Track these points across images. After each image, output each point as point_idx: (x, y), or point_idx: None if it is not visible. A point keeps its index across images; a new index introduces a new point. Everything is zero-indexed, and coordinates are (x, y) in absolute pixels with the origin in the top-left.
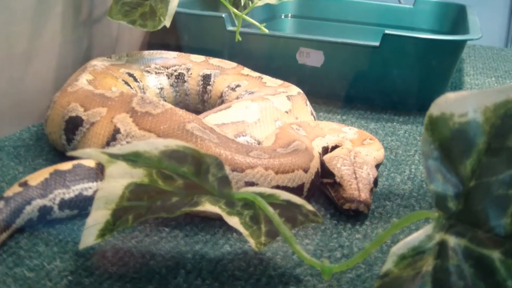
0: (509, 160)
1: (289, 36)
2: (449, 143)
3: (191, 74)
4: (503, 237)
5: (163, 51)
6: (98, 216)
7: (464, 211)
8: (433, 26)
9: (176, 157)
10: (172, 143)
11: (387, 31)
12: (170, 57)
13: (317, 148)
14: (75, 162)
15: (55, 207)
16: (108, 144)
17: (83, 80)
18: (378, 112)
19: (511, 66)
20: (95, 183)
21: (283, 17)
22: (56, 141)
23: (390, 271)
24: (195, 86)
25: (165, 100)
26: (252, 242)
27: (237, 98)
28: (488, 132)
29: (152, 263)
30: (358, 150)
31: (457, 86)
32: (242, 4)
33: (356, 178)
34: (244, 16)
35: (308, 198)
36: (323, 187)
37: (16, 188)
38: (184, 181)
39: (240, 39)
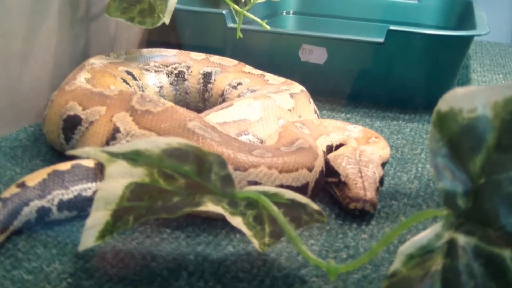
0: None
1: (291, 32)
2: (457, 140)
3: (191, 72)
4: None
5: (162, 49)
6: (97, 217)
7: (474, 209)
8: (439, 22)
9: (178, 155)
10: (174, 141)
11: (391, 27)
12: (170, 55)
13: (321, 147)
14: (73, 162)
15: (54, 208)
16: (107, 143)
17: (81, 79)
18: (384, 110)
19: None
20: (94, 184)
21: (284, 13)
22: (54, 141)
23: (398, 271)
24: (196, 85)
25: (165, 99)
26: (255, 242)
27: (239, 96)
28: (498, 127)
29: (153, 265)
30: (363, 149)
31: (464, 83)
32: (243, 0)
33: (361, 177)
34: (245, 12)
35: (312, 198)
36: (328, 186)
37: (13, 189)
38: (185, 181)
39: (241, 36)
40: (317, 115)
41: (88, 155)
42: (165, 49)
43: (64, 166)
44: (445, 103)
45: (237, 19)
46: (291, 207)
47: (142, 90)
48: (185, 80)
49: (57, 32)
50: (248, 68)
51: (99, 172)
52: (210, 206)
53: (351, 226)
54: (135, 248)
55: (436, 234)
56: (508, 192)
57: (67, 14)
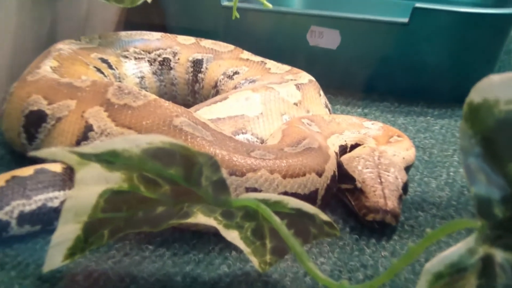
0: None
1: (298, 12)
2: (493, 136)
3: (178, 59)
4: None
5: (144, 32)
6: (66, 232)
7: None
8: None
9: (162, 156)
10: (157, 140)
11: (417, 5)
12: (153, 39)
13: (333, 147)
14: (37, 166)
15: (13, 222)
16: (78, 143)
17: (47, 67)
18: (408, 103)
19: None
20: (62, 192)
21: None
22: (14, 140)
23: None
24: (184, 74)
25: (147, 91)
26: (255, 261)
27: (235, 87)
28: None
29: None
30: (383, 150)
31: (506, 71)
32: None
33: (381, 183)
34: None
35: (322, 208)
36: (341, 194)
37: None
38: (171, 187)
39: (238, 16)
40: (329, 110)
41: (54, 157)
42: (147, 32)
43: (26, 171)
44: (478, 93)
45: None
46: (296, 219)
47: (120, 81)
48: (171, 68)
49: (16, 13)
50: (246, 54)
51: (68, 178)
52: (201, 218)
53: (369, 241)
54: (112, 268)
55: (468, 249)
56: None
57: None
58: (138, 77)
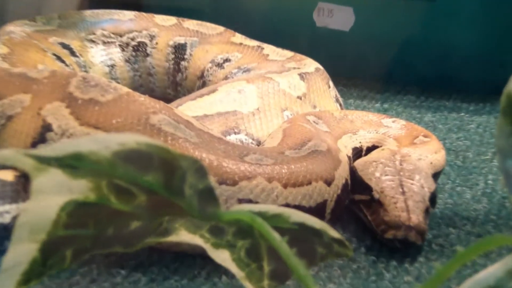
0: None
1: None
2: None
3: (156, 44)
4: None
5: (113, 11)
6: (19, 253)
7: None
8: None
9: (137, 160)
10: (130, 140)
11: None
12: (125, 19)
13: (345, 150)
14: None
15: None
16: (34, 146)
17: None
18: (438, 97)
19: None
20: (14, 205)
21: None
22: None
23: None
24: (163, 62)
25: (119, 83)
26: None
27: (226, 78)
28: None
29: None
30: (406, 153)
31: None
32: None
33: (403, 193)
34: None
35: (332, 223)
36: (355, 207)
37: None
38: (148, 197)
39: None
40: (340, 105)
41: (5, 161)
42: (118, 11)
43: None
44: None
45: None
46: (300, 236)
47: (85, 71)
48: (147, 55)
49: None
50: (239, 37)
51: (21, 188)
52: (184, 235)
53: (389, 264)
54: None
55: (508, 271)
56: None
57: None
58: (108, 66)
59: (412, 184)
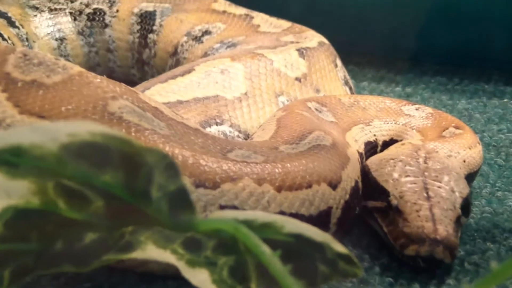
0: None
1: None
2: None
3: (117, 11)
4: None
5: None
6: None
7: None
8: None
9: (91, 155)
10: (83, 130)
11: None
12: None
13: (355, 145)
14: None
15: None
16: None
17: None
18: (474, 79)
19: None
20: None
21: None
22: None
23: None
24: (126, 35)
25: (70, 61)
26: None
27: (206, 55)
28: None
29: None
30: (432, 148)
31: None
32: None
33: (428, 198)
34: None
35: (338, 235)
36: (368, 216)
37: None
38: (106, 202)
39: None
40: (350, 89)
41: None
42: None
43: None
44: None
45: None
46: (297, 250)
47: (28, 46)
48: (106, 26)
49: None
50: (222, 3)
51: None
52: (152, 251)
53: (410, 287)
54: None
55: None
56: None
57: None
58: (56, 40)
59: (439, 187)
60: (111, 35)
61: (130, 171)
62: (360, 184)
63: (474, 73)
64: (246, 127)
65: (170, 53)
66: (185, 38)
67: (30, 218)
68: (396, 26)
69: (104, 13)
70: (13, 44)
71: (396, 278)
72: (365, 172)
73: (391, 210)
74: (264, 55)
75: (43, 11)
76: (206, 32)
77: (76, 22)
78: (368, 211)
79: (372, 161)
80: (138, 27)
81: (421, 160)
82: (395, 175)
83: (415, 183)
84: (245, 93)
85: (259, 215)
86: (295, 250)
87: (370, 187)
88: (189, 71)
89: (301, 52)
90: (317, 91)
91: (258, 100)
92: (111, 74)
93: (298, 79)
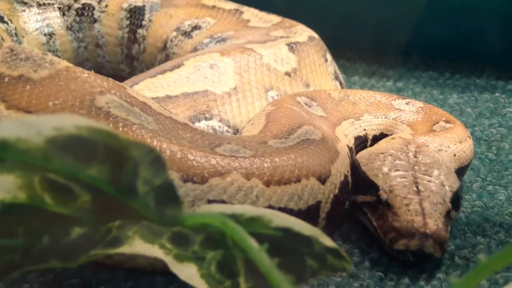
0: None
1: None
2: None
3: (106, 6)
4: None
5: None
6: None
7: None
8: None
9: (77, 149)
10: (68, 123)
11: None
12: None
13: (345, 140)
14: None
15: None
16: None
17: None
18: (466, 73)
19: None
20: None
21: None
22: None
23: None
24: (115, 30)
25: (59, 56)
26: None
27: (195, 50)
28: None
29: None
30: (423, 142)
31: None
32: None
33: (418, 192)
34: None
35: (328, 230)
36: (358, 210)
37: None
38: (92, 197)
39: None
40: (340, 83)
41: None
42: None
43: None
44: None
45: None
46: (285, 244)
47: (18, 41)
48: (95, 21)
49: None
50: None
51: None
52: (139, 246)
53: (400, 281)
54: None
55: None
56: None
57: None
58: (45, 35)
59: (429, 181)
60: (100, 30)
61: (116, 165)
62: (349, 179)
63: (466, 68)
64: (236, 122)
65: (159, 48)
66: (174, 33)
67: (17, 213)
68: (387, 20)
69: (93, 8)
70: (3, 39)
71: (385, 273)
72: (355, 167)
73: (380, 205)
74: (254, 49)
75: (31, 6)
76: (196, 27)
77: (65, 17)
78: (357, 205)
79: (362, 156)
80: (127, 22)
81: (411, 154)
82: (385, 169)
83: (405, 177)
84: (235, 88)
85: (247, 209)
86: (283, 244)
87: (359, 181)
88: (178, 66)
89: (291, 46)
90: (307, 85)
91: (247, 95)
92: (100, 70)
93: (288, 74)
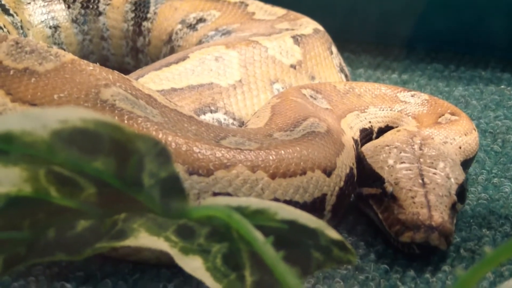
0: None
1: None
2: None
3: None
4: None
5: None
6: None
7: None
8: None
9: (82, 142)
10: (74, 116)
11: None
12: None
13: (350, 132)
14: None
15: None
16: None
17: None
18: (471, 66)
19: None
20: None
21: None
22: None
23: None
24: (120, 23)
25: (64, 49)
26: None
27: (200, 42)
28: None
29: None
30: (428, 134)
31: None
32: None
33: (423, 185)
34: None
35: (333, 222)
36: (363, 203)
37: None
38: (97, 190)
39: None
40: (345, 76)
41: None
42: None
43: None
44: None
45: None
46: (290, 237)
47: (23, 34)
48: (100, 14)
49: None
50: None
51: None
52: (145, 238)
53: (405, 274)
54: None
55: None
56: None
57: None
58: (50, 28)
59: (434, 173)
60: (105, 23)
61: (122, 158)
62: (355, 171)
63: (471, 60)
64: (241, 114)
65: (164, 41)
66: (179, 26)
67: (22, 206)
68: (392, 12)
69: (98, 1)
70: (8, 32)
71: (391, 265)
72: (360, 159)
73: (386, 197)
74: (259, 42)
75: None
76: (201, 20)
77: (70, 10)
78: (363, 198)
79: (367, 148)
80: (132, 14)
81: (416, 146)
82: (390, 161)
83: (410, 170)
84: (240, 81)
85: (252, 202)
86: (289, 237)
87: (365, 174)
88: (184, 59)
89: (296, 39)
90: (312, 78)
91: (252, 87)
92: (105, 62)
93: (293, 66)
